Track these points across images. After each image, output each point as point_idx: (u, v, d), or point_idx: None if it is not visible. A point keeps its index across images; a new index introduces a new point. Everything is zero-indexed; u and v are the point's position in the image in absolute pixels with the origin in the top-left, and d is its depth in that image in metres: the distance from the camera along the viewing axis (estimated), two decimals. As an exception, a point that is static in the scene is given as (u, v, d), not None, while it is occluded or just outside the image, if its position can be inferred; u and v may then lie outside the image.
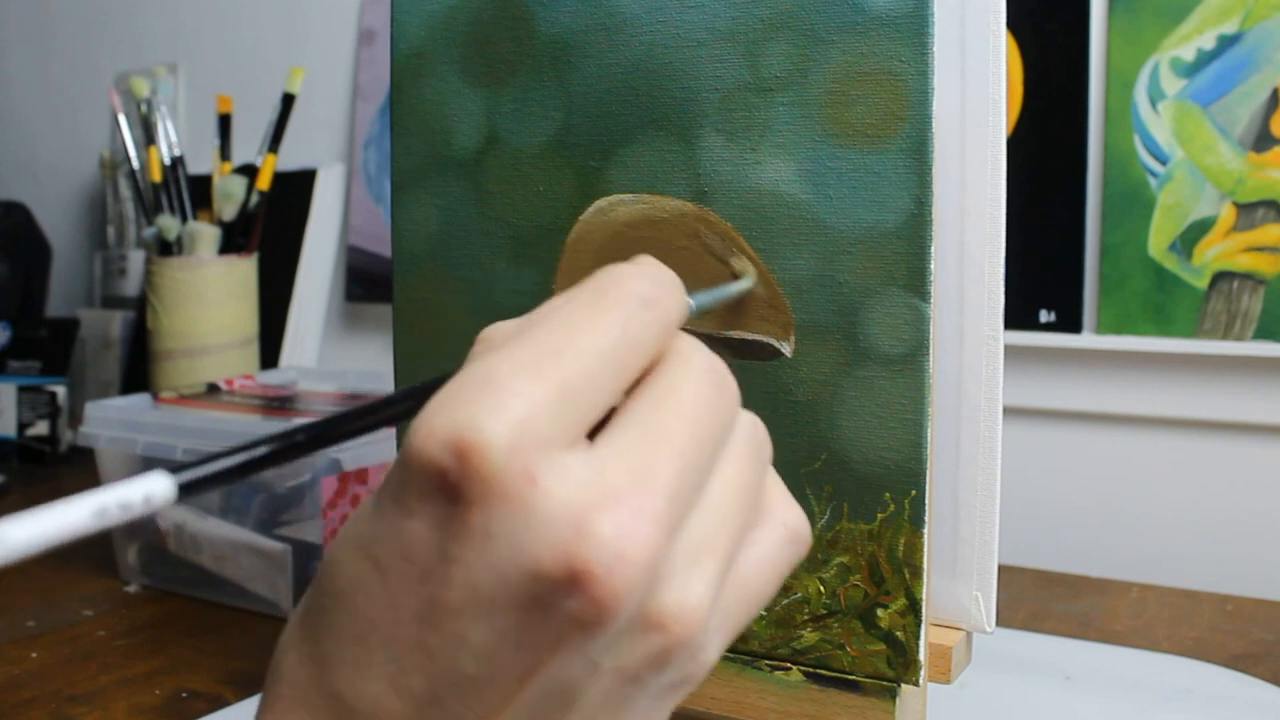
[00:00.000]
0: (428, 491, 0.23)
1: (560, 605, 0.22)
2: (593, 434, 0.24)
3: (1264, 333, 0.71)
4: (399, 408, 0.25)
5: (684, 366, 0.25)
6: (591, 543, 0.22)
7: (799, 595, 0.41)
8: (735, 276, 0.40)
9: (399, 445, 0.24)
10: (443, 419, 0.22)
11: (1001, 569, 0.44)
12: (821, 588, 0.41)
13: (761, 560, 0.26)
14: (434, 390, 0.24)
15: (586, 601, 0.22)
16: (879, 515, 0.40)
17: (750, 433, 0.26)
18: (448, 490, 0.22)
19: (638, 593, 0.22)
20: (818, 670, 0.41)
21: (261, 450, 0.23)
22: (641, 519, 0.22)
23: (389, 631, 0.23)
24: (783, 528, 0.27)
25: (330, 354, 1.10)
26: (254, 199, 0.92)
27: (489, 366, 0.23)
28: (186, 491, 0.22)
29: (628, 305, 0.25)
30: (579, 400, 0.23)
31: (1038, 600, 0.68)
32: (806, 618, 0.41)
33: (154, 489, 0.21)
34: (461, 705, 0.23)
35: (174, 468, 0.22)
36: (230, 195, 0.92)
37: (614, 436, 0.24)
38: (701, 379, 0.25)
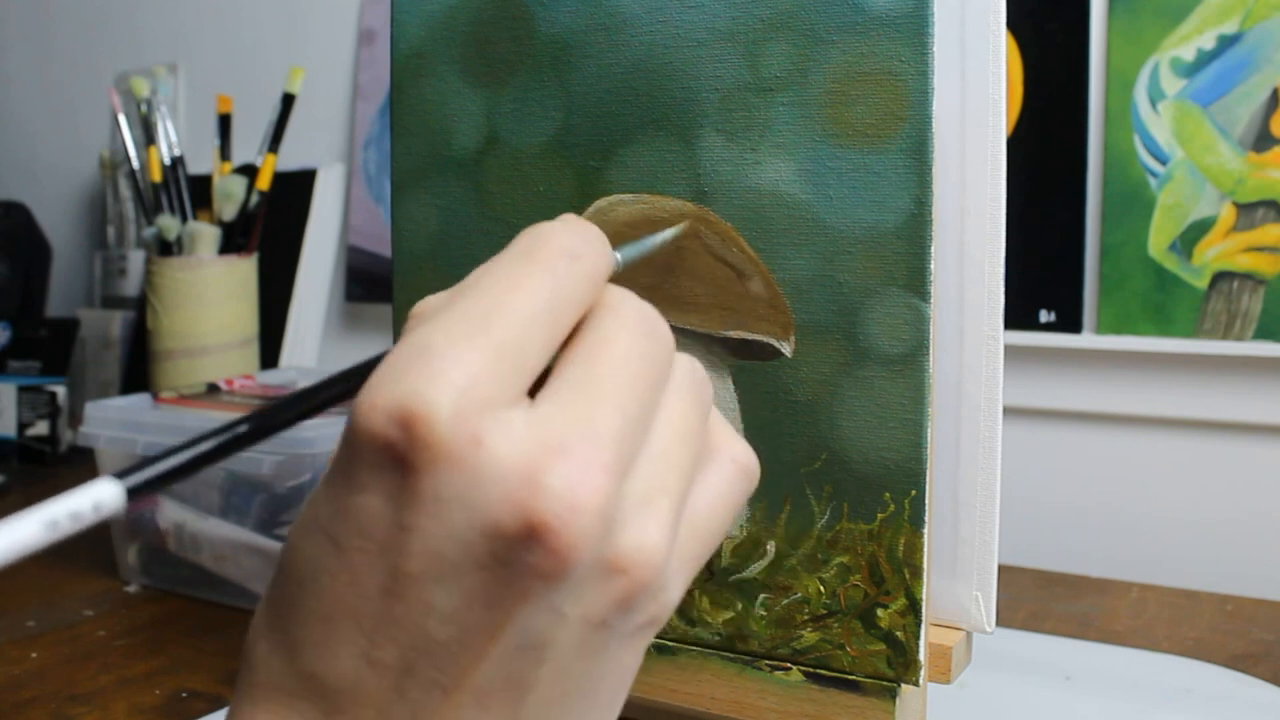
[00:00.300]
0: (377, 464, 0.23)
1: (520, 559, 0.23)
2: (532, 392, 0.24)
3: (1264, 333, 0.71)
4: (339, 388, 0.26)
5: (615, 317, 0.26)
6: (544, 495, 0.22)
7: (799, 595, 0.41)
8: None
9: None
10: (384, 392, 0.23)
11: (1001, 569, 0.44)
12: (821, 588, 0.41)
13: (713, 497, 0.27)
14: (372, 368, 0.24)
15: (545, 552, 0.22)
16: (879, 515, 0.40)
17: (689, 374, 0.27)
18: (396, 461, 0.23)
19: (594, 539, 0.23)
20: (818, 670, 0.41)
21: (206, 445, 0.24)
22: (590, 468, 0.23)
23: (355, 607, 0.24)
24: (731, 463, 0.27)
25: (330, 354, 1.10)
26: (254, 199, 0.92)
27: (424, 336, 0.24)
28: (134, 495, 0.22)
29: (555, 262, 0.25)
30: (516, 360, 0.24)
31: (1038, 600, 0.68)
32: (806, 618, 0.41)
33: (102, 496, 0.21)
34: (435, 670, 0.23)
35: (120, 472, 0.22)
36: (230, 195, 0.92)
37: (554, 392, 0.24)
38: (634, 327, 0.26)
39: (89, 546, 0.78)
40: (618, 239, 0.43)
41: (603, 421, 0.24)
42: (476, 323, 0.24)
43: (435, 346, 0.23)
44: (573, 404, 0.24)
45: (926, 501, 0.39)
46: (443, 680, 0.23)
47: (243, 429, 0.24)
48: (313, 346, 1.07)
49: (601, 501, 0.23)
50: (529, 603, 0.23)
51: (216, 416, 0.70)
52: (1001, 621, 0.61)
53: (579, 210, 0.43)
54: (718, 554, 0.42)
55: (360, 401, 0.23)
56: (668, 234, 0.39)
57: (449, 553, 0.23)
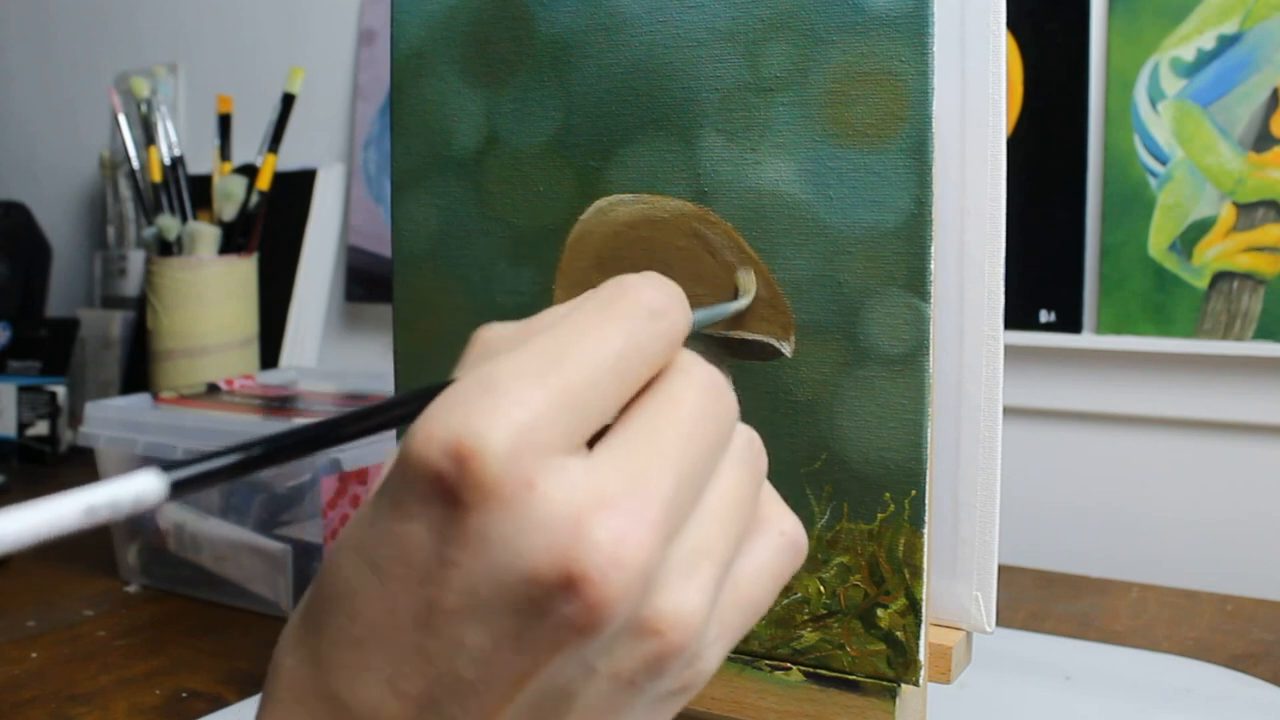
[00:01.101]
0: (426, 495, 0.23)
1: (556, 609, 0.22)
2: (592, 443, 0.24)
3: (1264, 333, 0.71)
4: (398, 411, 0.25)
5: (684, 378, 0.25)
6: (587, 547, 0.22)
7: (799, 595, 0.41)
8: (736, 288, 0.40)
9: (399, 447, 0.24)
10: (442, 423, 0.23)
11: (1001, 569, 0.44)
12: (821, 588, 0.41)
13: (759, 569, 0.27)
14: (433, 395, 0.24)
15: (582, 605, 0.22)
16: (879, 515, 0.40)
17: (747, 445, 0.27)
18: (446, 494, 0.22)
19: (633, 597, 0.23)
20: (818, 670, 0.41)
21: (256, 451, 0.23)
22: (637, 525, 0.23)
23: (387, 635, 0.23)
24: (780, 536, 0.27)
25: (330, 354, 1.10)
26: (254, 199, 0.92)
27: (491, 370, 0.23)
28: (178, 490, 0.22)
29: (636, 316, 0.25)
30: (580, 408, 0.23)
31: (1038, 600, 0.68)
32: (806, 618, 0.41)
33: (145, 488, 0.21)
34: (459, 708, 0.23)
35: (166, 466, 0.22)
36: (230, 195, 0.92)
37: (613, 444, 0.24)
38: (701, 391, 0.25)
39: (89, 546, 0.78)
40: (618, 239, 0.43)
41: (657, 480, 0.23)
42: (546, 364, 0.23)
43: (499, 383, 0.23)
44: (630, 458, 0.24)
45: (926, 501, 0.39)
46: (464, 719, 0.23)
47: (295, 440, 0.24)
48: (313, 346, 1.07)
49: (644, 559, 0.23)
50: (560, 653, 0.23)
51: (216, 416, 0.70)
52: (1001, 621, 0.61)
53: (579, 210, 0.43)
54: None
55: (417, 429, 0.23)
56: (742, 303, 0.40)
57: (486, 593, 0.23)
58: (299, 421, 0.66)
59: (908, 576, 0.39)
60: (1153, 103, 0.73)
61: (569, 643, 0.23)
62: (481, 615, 0.23)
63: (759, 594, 0.27)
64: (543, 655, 0.23)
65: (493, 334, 0.26)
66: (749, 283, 0.40)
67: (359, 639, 0.24)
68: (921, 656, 0.40)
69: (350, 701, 0.24)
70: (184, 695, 0.55)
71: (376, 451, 0.64)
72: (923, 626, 0.39)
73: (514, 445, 0.22)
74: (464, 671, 0.23)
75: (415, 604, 0.23)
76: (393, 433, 0.64)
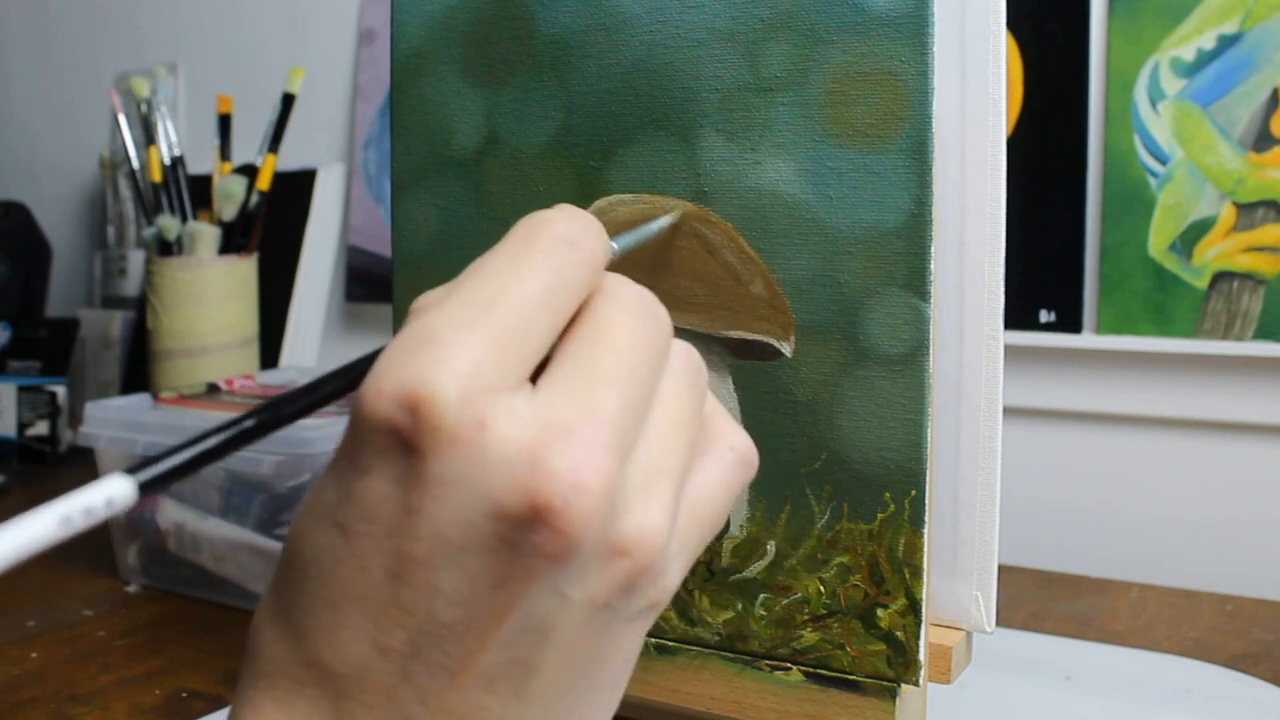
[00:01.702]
0: (383, 449, 0.23)
1: (526, 540, 0.23)
2: (534, 378, 0.25)
3: (1264, 333, 0.71)
4: (341, 381, 0.26)
5: (613, 302, 0.26)
6: (548, 477, 0.23)
7: (799, 595, 0.41)
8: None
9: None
10: (390, 378, 0.23)
11: (1001, 569, 0.44)
12: (821, 588, 0.41)
13: (712, 484, 0.27)
14: (373, 360, 0.24)
15: (551, 533, 0.23)
16: (879, 515, 0.40)
17: (685, 360, 0.27)
18: (403, 445, 0.23)
19: (599, 520, 0.23)
20: (818, 670, 0.41)
21: (213, 440, 0.24)
22: (593, 449, 0.23)
23: (362, 592, 0.24)
24: (729, 451, 0.28)
25: (330, 354, 1.10)
26: (254, 199, 0.92)
27: (427, 323, 0.24)
28: (146, 489, 0.22)
29: (554, 249, 0.26)
30: (518, 345, 0.24)
31: (1038, 600, 0.68)
32: (806, 618, 0.41)
33: (114, 491, 0.22)
34: (442, 654, 0.24)
35: (131, 468, 0.22)
36: (230, 195, 0.92)
37: (555, 376, 0.25)
38: (631, 311, 0.26)
39: (89, 546, 0.78)
40: (614, 232, 0.43)
41: (603, 404, 0.24)
42: (479, 309, 0.24)
43: (439, 333, 0.24)
44: (574, 387, 0.24)
45: (926, 501, 0.39)
46: (449, 664, 0.24)
47: (248, 424, 0.25)
48: (313, 346, 1.07)
49: (605, 482, 0.23)
50: (534, 584, 0.23)
51: (216, 416, 0.70)
52: (1001, 621, 0.61)
53: (579, 210, 0.43)
54: (718, 554, 0.42)
55: (366, 388, 0.24)
56: (663, 221, 0.40)
57: (455, 536, 0.23)
58: (300, 422, 0.66)
59: (908, 576, 0.39)
60: (1153, 103, 0.73)
61: (542, 572, 0.23)
62: (453, 558, 0.23)
63: (714, 509, 0.27)
64: (518, 588, 0.23)
65: (424, 297, 0.27)
66: (667, 206, 0.40)
67: (333, 601, 0.24)
68: (921, 656, 0.40)
69: (333, 663, 0.24)
70: (184, 695, 0.55)
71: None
72: (923, 626, 0.39)
73: (462, 389, 0.23)
74: (442, 616, 0.23)
75: (385, 557, 0.23)
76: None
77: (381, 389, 0.23)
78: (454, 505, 0.23)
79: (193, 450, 0.24)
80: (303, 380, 0.84)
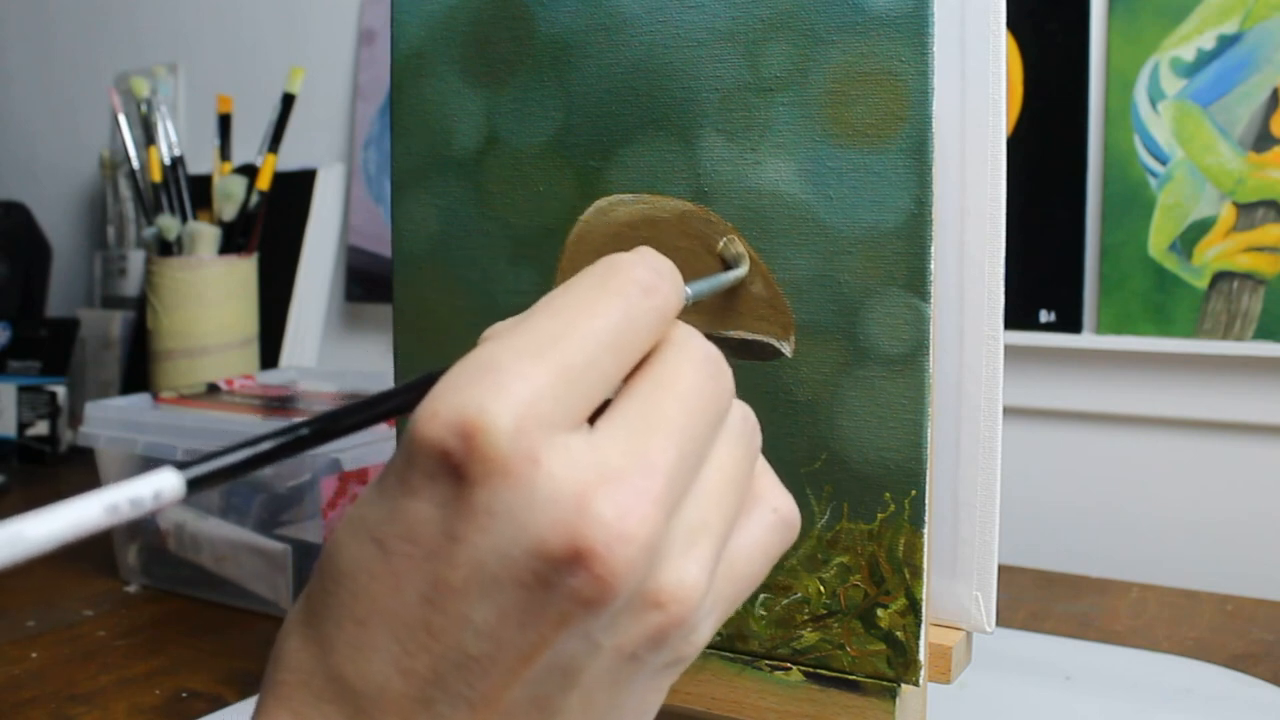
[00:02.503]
0: (432, 472, 0.23)
1: (563, 583, 0.23)
2: (593, 418, 0.24)
3: (1264, 333, 0.71)
4: (401, 399, 0.26)
5: (681, 353, 0.26)
6: (593, 521, 0.22)
7: (799, 595, 0.41)
8: (726, 265, 0.40)
9: (399, 440, 0.25)
10: (447, 402, 0.23)
11: (1001, 569, 0.44)
12: (821, 588, 0.41)
13: (753, 544, 0.27)
14: (436, 379, 0.24)
15: (589, 579, 0.22)
16: (879, 515, 0.40)
17: (742, 421, 0.27)
18: (452, 470, 0.23)
19: (638, 571, 0.23)
20: (818, 670, 0.41)
21: (267, 445, 0.24)
22: (642, 499, 0.23)
23: (392, 612, 0.24)
24: (773, 513, 0.28)
25: (330, 354, 1.10)
26: (254, 199, 0.92)
27: (491, 351, 0.24)
28: (195, 487, 0.22)
29: (629, 292, 0.25)
30: (580, 384, 0.24)
31: (1038, 600, 0.68)
32: (806, 618, 0.41)
33: (164, 485, 0.22)
34: (465, 685, 0.23)
35: (182, 464, 0.22)
36: (230, 195, 0.92)
37: (614, 420, 0.24)
38: (698, 366, 0.26)
39: (89, 546, 0.78)
40: (618, 239, 0.43)
41: (658, 455, 0.24)
42: (545, 342, 0.24)
43: (502, 362, 0.23)
44: (631, 434, 0.24)
45: (926, 501, 0.39)
46: (471, 696, 0.23)
47: (304, 432, 0.24)
48: (313, 346, 1.07)
49: (649, 533, 0.23)
50: (566, 628, 0.23)
51: (216, 416, 0.70)
52: (1001, 621, 0.61)
53: (579, 210, 0.43)
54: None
55: (422, 409, 0.23)
56: (738, 273, 0.39)
57: (493, 568, 0.23)
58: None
59: (908, 576, 0.39)
60: (1153, 103, 0.73)
61: (575, 617, 0.23)
62: (488, 591, 0.23)
63: (752, 569, 0.27)
64: (549, 630, 0.23)
65: (495, 327, 0.26)
66: (733, 246, 0.40)
67: (363, 618, 0.24)
68: (921, 656, 0.40)
69: (355, 681, 0.24)
70: (184, 695, 0.55)
71: (376, 451, 0.64)
72: (923, 626, 0.39)
73: (519, 421, 0.23)
74: (470, 648, 0.23)
75: (421, 581, 0.23)
76: (392, 434, 0.64)
77: (437, 411, 0.23)
78: (496, 537, 0.23)
79: (245, 453, 0.23)
80: (303, 380, 0.84)
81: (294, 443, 0.24)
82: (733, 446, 0.26)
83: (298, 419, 0.25)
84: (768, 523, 0.27)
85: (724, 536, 0.26)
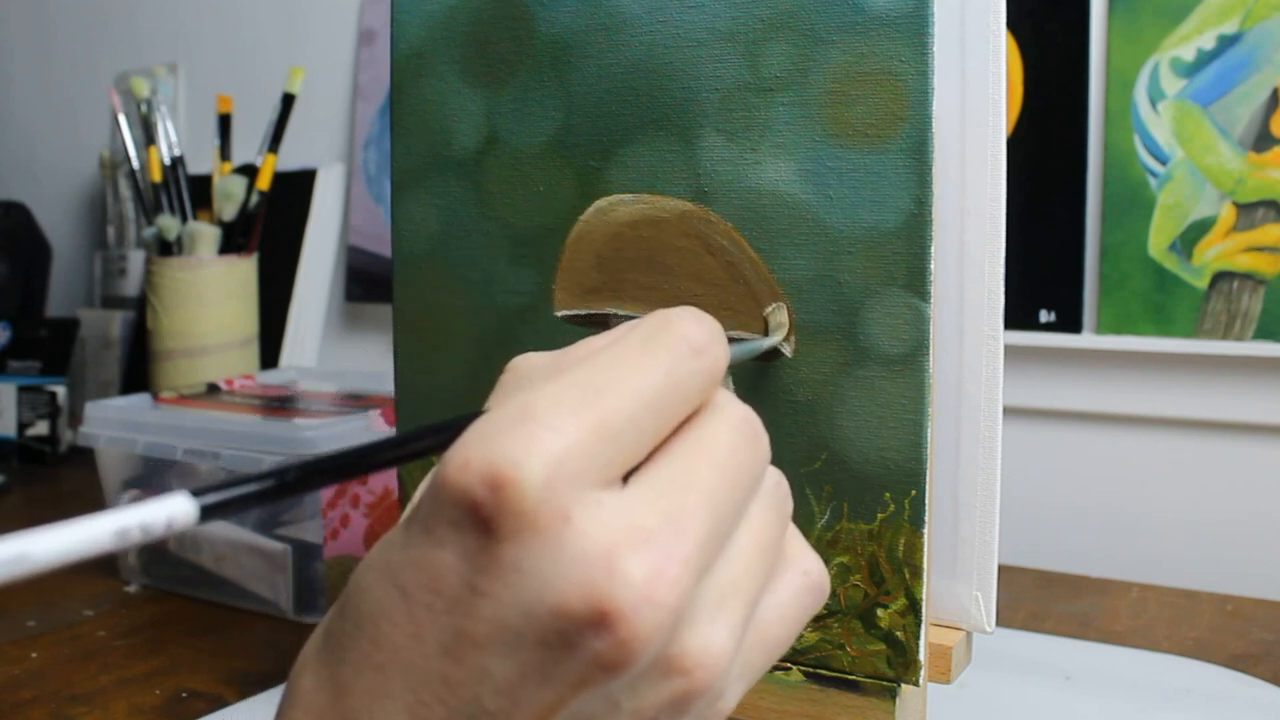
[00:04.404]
0: (459, 523, 0.23)
1: (585, 644, 0.22)
2: (627, 478, 0.24)
3: (1264, 333, 0.71)
4: (433, 440, 0.25)
5: (721, 417, 0.25)
6: (620, 583, 0.22)
7: (799, 595, 0.41)
8: (766, 323, 0.40)
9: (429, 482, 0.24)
10: (479, 450, 0.23)
11: (1001, 569, 0.44)
12: (821, 588, 0.41)
13: (782, 608, 0.27)
14: (469, 422, 0.24)
15: (612, 642, 0.22)
16: (879, 515, 0.40)
17: (776, 486, 0.27)
18: (480, 523, 0.22)
19: (663, 635, 0.22)
20: (818, 670, 0.41)
21: (289, 476, 0.23)
22: (671, 562, 0.22)
23: (410, 661, 0.23)
24: (803, 576, 0.27)
25: (330, 354, 1.10)
26: (254, 199, 0.92)
27: (530, 399, 0.23)
28: (208, 514, 0.22)
29: (677, 351, 0.25)
30: (617, 441, 0.23)
31: (1038, 600, 0.68)
32: (806, 618, 0.41)
33: (176, 511, 0.21)
34: None
35: (197, 490, 0.22)
36: (230, 195, 0.92)
37: (648, 480, 0.24)
38: (737, 431, 0.25)
39: (89, 546, 0.77)
40: (618, 239, 0.43)
41: (691, 518, 0.23)
42: (585, 396, 0.23)
43: (539, 413, 0.23)
44: (665, 495, 0.23)
45: (926, 501, 0.39)
46: None
47: (327, 466, 0.24)
48: (313, 346, 1.07)
49: (677, 597, 0.22)
50: (586, 689, 0.23)
51: (216, 416, 0.70)
52: (1001, 621, 0.61)
53: (579, 210, 0.43)
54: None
55: (453, 455, 0.23)
56: (772, 340, 0.39)
57: (515, 624, 0.22)
58: (300, 422, 0.66)
59: (908, 576, 0.39)
60: (1153, 103, 0.73)
61: (596, 679, 0.22)
62: (509, 646, 0.22)
63: (781, 634, 0.27)
64: (568, 690, 0.23)
65: (527, 364, 0.26)
66: (780, 316, 0.40)
67: (381, 664, 0.24)
68: (921, 656, 0.40)
69: None
70: (184, 695, 0.55)
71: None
72: (923, 626, 0.39)
73: (550, 476, 0.22)
74: (487, 703, 0.23)
75: (442, 632, 0.23)
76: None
77: (469, 460, 0.22)
78: (520, 593, 0.22)
79: (265, 483, 0.23)
80: (302, 380, 0.84)
81: (315, 475, 0.24)
82: (765, 511, 0.26)
83: (324, 453, 0.24)
84: (797, 586, 0.27)
85: (753, 601, 0.25)
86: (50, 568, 0.19)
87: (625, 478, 0.24)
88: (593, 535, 0.22)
